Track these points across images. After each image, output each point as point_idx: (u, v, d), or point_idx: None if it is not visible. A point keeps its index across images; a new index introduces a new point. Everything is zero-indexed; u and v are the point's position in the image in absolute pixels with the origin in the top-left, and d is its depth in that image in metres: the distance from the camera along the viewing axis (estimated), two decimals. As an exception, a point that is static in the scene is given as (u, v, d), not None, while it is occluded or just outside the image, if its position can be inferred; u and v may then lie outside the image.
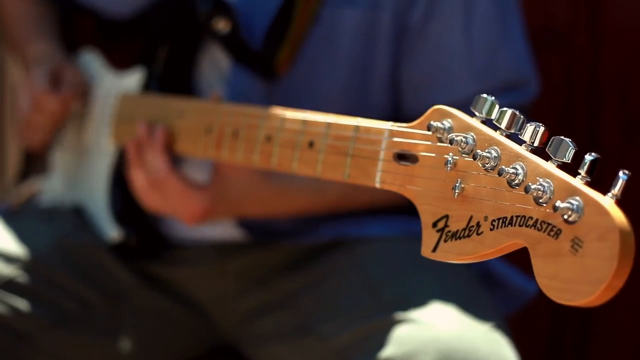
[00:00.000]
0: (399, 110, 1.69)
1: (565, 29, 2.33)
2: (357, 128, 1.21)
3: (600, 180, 1.03)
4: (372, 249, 1.64)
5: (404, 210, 1.67)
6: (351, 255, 1.65)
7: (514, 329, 1.58)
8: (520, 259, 1.42)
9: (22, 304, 1.61)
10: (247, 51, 1.62)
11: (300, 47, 1.62)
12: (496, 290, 1.68)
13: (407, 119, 1.65)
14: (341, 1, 1.63)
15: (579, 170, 0.99)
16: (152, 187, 1.57)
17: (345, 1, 1.63)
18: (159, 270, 1.74)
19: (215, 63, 1.69)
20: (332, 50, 1.64)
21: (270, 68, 1.62)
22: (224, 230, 1.72)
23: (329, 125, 1.25)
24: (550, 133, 1.05)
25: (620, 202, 0.98)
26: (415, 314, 1.45)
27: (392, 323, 1.44)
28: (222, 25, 1.60)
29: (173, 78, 1.69)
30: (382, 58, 1.65)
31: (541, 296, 1.69)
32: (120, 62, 1.78)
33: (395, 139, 1.16)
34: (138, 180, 1.58)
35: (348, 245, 1.66)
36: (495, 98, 1.58)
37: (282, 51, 1.61)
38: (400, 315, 1.45)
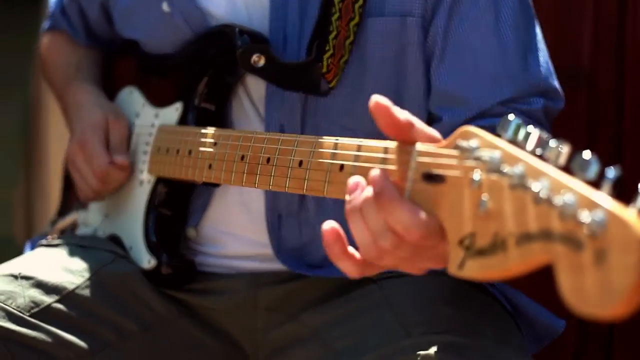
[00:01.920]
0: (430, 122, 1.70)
1: (590, 68, 2.36)
2: (385, 149, 1.24)
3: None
4: (402, 284, 1.65)
5: None
6: (381, 291, 1.66)
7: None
8: (547, 297, 1.44)
9: (60, 332, 1.64)
10: (287, 69, 1.65)
11: (342, 58, 1.65)
12: (524, 327, 1.68)
13: (436, 125, 1.66)
14: (371, 11, 1.66)
15: (602, 185, 1.01)
16: (394, 252, 1.21)
17: (375, 10, 1.66)
18: (192, 300, 1.76)
19: (249, 92, 1.73)
20: (365, 60, 1.67)
21: (315, 78, 1.64)
22: (257, 262, 1.75)
23: (359, 147, 1.28)
24: (575, 150, 1.07)
25: None
26: (448, 353, 1.45)
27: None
28: (257, 58, 1.63)
29: (210, 110, 1.73)
30: (415, 64, 1.67)
31: (566, 334, 1.70)
32: (158, 97, 1.83)
33: (423, 159, 1.18)
34: (368, 249, 1.22)
35: (378, 282, 1.67)
36: (531, 101, 1.62)
37: (326, 60, 1.64)
38: (432, 353, 1.45)
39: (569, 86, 2.31)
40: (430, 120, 1.69)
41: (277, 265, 1.73)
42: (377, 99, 1.22)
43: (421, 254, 1.20)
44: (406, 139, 1.22)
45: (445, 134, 1.51)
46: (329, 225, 1.22)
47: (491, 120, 1.60)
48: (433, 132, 1.23)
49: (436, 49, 1.65)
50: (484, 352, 1.46)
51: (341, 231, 1.22)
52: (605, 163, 2.44)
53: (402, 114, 1.22)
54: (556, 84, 1.70)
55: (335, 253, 1.23)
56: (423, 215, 1.17)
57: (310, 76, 1.64)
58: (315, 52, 1.63)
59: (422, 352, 1.45)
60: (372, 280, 1.68)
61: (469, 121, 1.61)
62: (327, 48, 1.63)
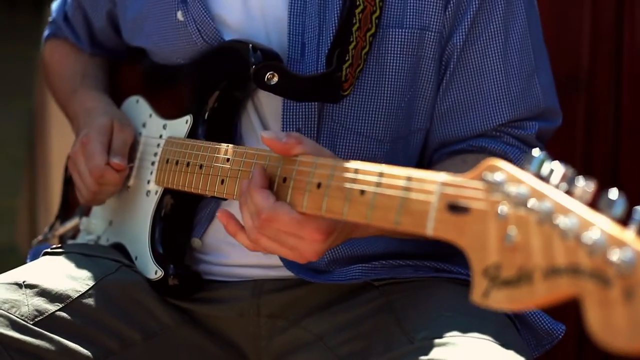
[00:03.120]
0: (428, 135, 1.77)
1: (588, 75, 2.41)
2: (409, 178, 1.27)
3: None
4: (404, 290, 1.70)
5: (434, 253, 1.73)
6: (383, 297, 1.70)
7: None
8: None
9: (64, 341, 1.65)
10: (303, 82, 1.68)
11: (359, 67, 1.69)
12: (525, 331, 1.73)
13: (433, 145, 1.74)
14: (391, 22, 1.70)
15: (629, 224, 1.05)
16: (259, 230, 1.46)
17: (395, 22, 1.70)
18: (197, 308, 1.78)
19: (258, 106, 1.75)
20: (383, 70, 1.71)
21: (334, 87, 1.67)
22: (260, 269, 1.77)
23: (380, 174, 1.31)
24: (601, 188, 1.11)
25: None
26: (449, 356, 1.48)
27: None
28: (271, 76, 1.66)
29: (219, 125, 1.75)
30: (427, 78, 1.73)
31: (566, 337, 1.75)
32: (166, 108, 1.84)
33: (449, 190, 1.21)
34: (247, 228, 1.49)
35: (380, 288, 1.72)
36: (526, 125, 1.70)
37: (345, 69, 1.67)
38: (434, 357, 1.48)
39: (567, 93, 2.37)
40: (428, 137, 1.76)
41: (280, 273, 1.76)
42: (263, 135, 1.47)
43: (285, 238, 1.44)
44: (295, 153, 1.45)
45: (441, 152, 1.72)
46: (222, 210, 1.55)
47: (487, 142, 1.74)
48: (322, 148, 1.48)
49: (449, 67, 1.73)
50: (484, 355, 1.49)
51: (231, 214, 1.51)
52: (603, 168, 2.51)
53: (284, 138, 1.45)
54: (555, 103, 1.79)
55: (230, 230, 1.52)
56: (272, 200, 1.44)
57: (329, 86, 1.68)
58: (335, 62, 1.67)
59: (423, 357, 1.49)
60: (374, 287, 1.72)
61: (465, 140, 1.73)
62: (347, 58, 1.67)
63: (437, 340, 1.52)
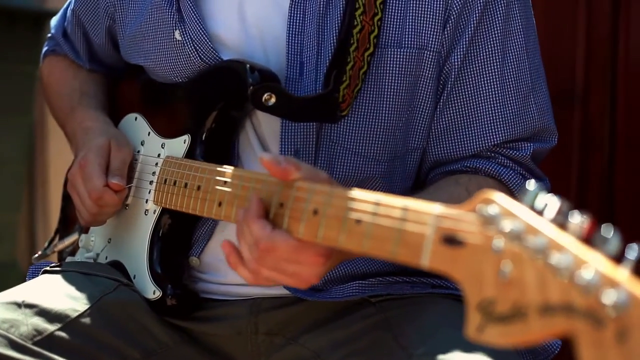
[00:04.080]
0: (422, 154, 1.77)
1: (583, 90, 2.41)
2: (405, 208, 1.27)
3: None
4: (401, 307, 1.70)
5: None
6: (380, 313, 1.70)
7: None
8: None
9: None
10: (300, 103, 1.68)
11: (356, 87, 1.69)
12: (521, 347, 1.73)
13: (428, 164, 1.74)
14: (389, 42, 1.70)
15: (623, 262, 1.05)
16: (258, 262, 1.44)
17: (393, 42, 1.70)
18: (195, 327, 1.79)
19: (256, 126, 1.75)
20: (381, 90, 1.71)
21: (331, 108, 1.67)
22: (258, 287, 1.77)
23: (377, 203, 1.31)
24: (596, 223, 1.11)
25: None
26: None
27: None
28: (269, 97, 1.65)
29: (216, 145, 1.75)
30: (425, 97, 1.73)
31: (563, 351, 1.75)
32: (165, 127, 1.84)
33: (444, 223, 1.21)
34: (246, 260, 1.47)
35: (377, 304, 1.72)
36: (520, 146, 1.70)
37: (343, 90, 1.67)
38: None
39: (563, 108, 2.38)
40: (423, 156, 1.76)
41: (277, 291, 1.76)
42: (262, 157, 1.44)
43: (285, 266, 1.42)
44: (293, 179, 1.43)
45: (435, 172, 1.73)
46: (226, 240, 1.49)
47: (481, 162, 1.74)
48: (319, 172, 1.46)
49: (447, 86, 1.72)
50: None
51: (234, 245, 1.47)
52: (598, 183, 2.53)
53: (283, 163, 1.43)
54: (551, 123, 1.79)
55: (232, 262, 1.48)
56: (269, 229, 1.42)
57: (327, 106, 1.68)
58: (333, 83, 1.67)
59: None
60: (371, 303, 1.73)
61: (459, 160, 1.74)
62: (344, 79, 1.67)
63: (435, 356, 1.52)
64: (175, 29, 1.79)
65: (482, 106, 1.73)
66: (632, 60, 2.40)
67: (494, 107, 1.73)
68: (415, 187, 1.78)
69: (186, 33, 1.77)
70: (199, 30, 1.76)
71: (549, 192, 1.74)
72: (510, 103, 1.73)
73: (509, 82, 1.73)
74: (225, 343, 1.78)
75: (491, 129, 1.73)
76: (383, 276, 1.75)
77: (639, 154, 2.43)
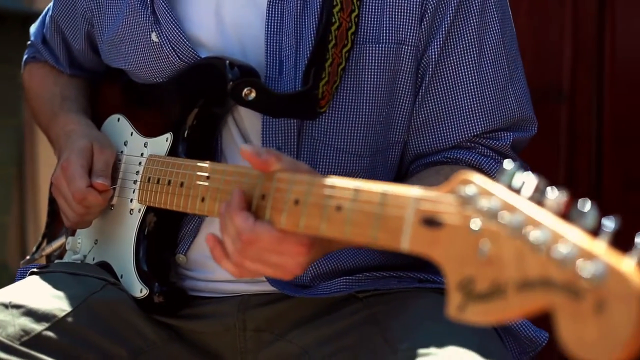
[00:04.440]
0: (404, 147, 1.78)
1: (570, 86, 2.42)
2: (384, 194, 1.27)
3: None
4: (388, 302, 1.71)
5: (417, 264, 1.73)
6: (367, 309, 1.71)
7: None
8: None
9: None
10: (280, 100, 1.69)
11: (335, 84, 1.69)
12: (507, 339, 1.73)
13: (410, 157, 1.75)
14: (367, 38, 1.71)
15: (600, 234, 1.05)
16: (241, 253, 1.45)
17: (371, 38, 1.71)
18: (183, 324, 1.79)
19: (239, 122, 1.76)
20: (360, 86, 1.72)
21: (310, 105, 1.68)
22: (245, 284, 1.78)
23: (356, 190, 1.31)
24: (573, 199, 1.11)
25: (620, 246, 1.04)
26: None
27: None
28: (248, 92, 1.66)
29: (199, 142, 1.76)
30: (404, 92, 1.74)
31: (550, 346, 1.76)
32: (147, 126, 1.85)
33: (423, 205, 1.21)
34: (230, 253, 1.47)
35: (364, 299, 1.73)
36: (500, 136, 1.71)
37: (322, 87, 1.68)
38: None
39: (550, 104, 2.39)
40: (404, 149, 1.76)
41: (264, 287, 1.76)
42: (242, 148, 1.45)
43: (267, 257, 1.43)
44: (273, 170, 1.44)
45: (417, 164, 1.74)
46: (210, 234, 1.49)
47: (461, 153, 1.75)
48: (300, 163, 1.47)
49: (425, 80, 1.73)
50: None
51: (219, 239, 1.47)
52: (586, 177, 2.54)
53: (264, 155, 1.44)
54: (530, 112, 1.80)
55: (216, 255, 1.48)
56: (251, 221, 1.42)
57: (306, 103, 1.69)
58: (312, 80, 1.68)
59: None
60: (358, 299, 1.73)
61: (440, 152, 1.75)
62: (323, 75, 1.68)
63: (420, 351, 1.52)
64: (152, 31, 1.79)
65: (460, 98, 1.74)
66: (618, 58, 2.42)
67: (473, 98, 1.74)
68: (397, 180, 1.79)
69: (162, 35, 1.78)
70: (175, 31, 1.77)
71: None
72: (488, 94, 1.74)
73: (486, 73, 1.74)
74: (213, 340, 1.79)
75: (470, 120, 1.74)
76: (370, 271, 1.75)
77: (625, 149, 2.44)
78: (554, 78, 2.41)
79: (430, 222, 1.20)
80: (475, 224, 1.14)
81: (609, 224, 1.06)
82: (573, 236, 1.06)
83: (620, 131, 2.43)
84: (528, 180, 1.15)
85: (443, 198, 1.20)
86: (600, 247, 1.04)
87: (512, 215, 1.11)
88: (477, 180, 1.17)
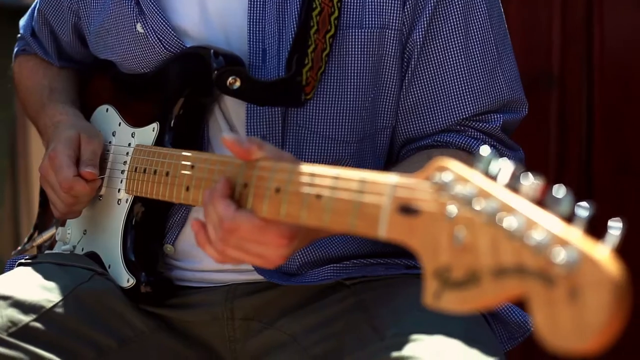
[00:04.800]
0: (393, 132, 1.77)
1: (560, 71, 2.41)
2: (363, 181, 1.26)
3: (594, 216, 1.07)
4: (375, 288, 1.70)
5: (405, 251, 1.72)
6: (355, 296, 1.70)
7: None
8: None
9: (39, 351, 1.65)
10: (265, 88, 1.68)
11: (320, 70, 1.68)
12: (495, 325, 1.73)
13: (400, 142, 1.74)
14: (350, 23, 1.70)
15: (574, 221, 1.04)
16: (223, 241, 1.44)
17: (354, 23, 1.70)
18: (171, 314, 1.79)
19: (225, 111, 1.75)
20: (345, 71, 1.71)
21: (295, 92, 1.67)
22: (233, 273, 1.77)
23: (336, 177, 1.30)
24: (549, 185, 1.10)
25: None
26: (418, 352, 1.48)
27: None
28: (233, 80, 1.65)
29: (185, 131, 1.75)
30: (390, 76, 1.73)
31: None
32: (135, 117, 1.84)
33: (400, 192, 1.21)
34: (213, 240, 1.46)
35: (352, 287, 1.72)
36: (490, 118, 1.70)
37: (305, 73, 1.67)
38: (404, 353, 1.49)
39: (540, 89, 2.38)
40: (394, 134, 1.75)
41: (252, 276, 1.75)
42: (224, 137, 1.44)
43: (248, 246, 1.42)
44: (255, 158, 1.43)
45: (407, 149, 1.73)
46: (195, 219, 1.49)
47: (452, 136, 1.73)
48: (283, 152, 1.46)
49: (411, 64, 1.72)
50: (453, 349, 1.49)
51: (203, 224, 1.47)
52: (576, 163, 2.53)
53: (246, 143, 1.43)
54: (520, 93, 1.79)
55: (200, 241, 1.47)
56: (232, 209, 1.41)
57: (290, 90, 1.68)
58: (295, 66, 1.67)
59: (393, 354, 1.49)
60: (346, 286, 1.73)
61: (430, 135, 1.73)
62: (306, 62, 1.67)
63: (407, 337, 1.52)
64: (137, 22, 1.79)
65: (448, 81, 1.72)
66: (608, 41, 2.40)
67: (461, 80, 1.72)
68: (388, 165, 1.78)
69: (147, 25, 1.78)
70: (160, 21, 1.76)
71: (522, 162, 1.76)
72: (477, 76, 1.73)
73: (474, 54, 1.72)
74: (201, 329, 1.78)
75: (459, 103, 1.72)
76: (357, 258, 1.74)
77: (616, 133, 2.43)
78: (543, 63, 2.40)
79: (407, 209, 1.19)
80: (451, 210, 1.13)
81: (584, 210, 1.05)
82: (547, 223, 1.05)
83: (610, 116, 2.42)
84: (505, 166, 1.13)
85: (419, 185, 1.19)
86: (574, 233, 1.03)
87: (487, 201, 1.10)
88: (453, 167, 1.16)
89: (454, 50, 1.72)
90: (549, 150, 2.43)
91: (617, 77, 2.41)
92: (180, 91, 1.75)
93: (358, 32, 1.70)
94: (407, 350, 1.49)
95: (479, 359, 1.48)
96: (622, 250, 1.03)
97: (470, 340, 1.51)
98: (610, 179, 2.42)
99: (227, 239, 1.43)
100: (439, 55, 1.72)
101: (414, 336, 1.52)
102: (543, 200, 1.09)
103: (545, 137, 2.43)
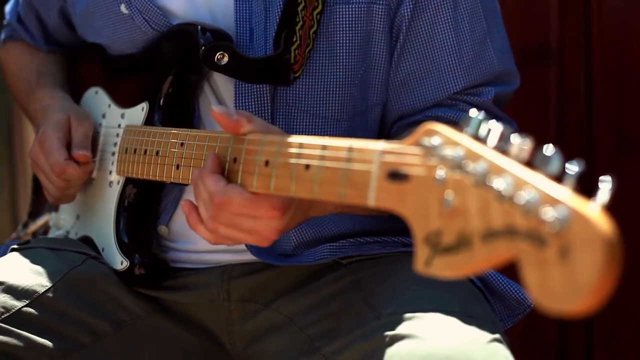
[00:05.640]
0: (385, 109, 1.75)
1: (558, 46, 2.39)
2: (350, 149, 1.24)
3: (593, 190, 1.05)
4: (372, 267, 1.68)
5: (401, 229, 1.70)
6: (351, 275, 1.68)
7: (518, 342, 1.59)
8: (517, 272, 1.46)
9: (32, 336, 1.63)
10: (253, 64, 1.66)
11: (308, 47, 1.66)
12: (495, 302, 1.70)
13: (391, 118, 1.72)
14: None
15: (564, 180, 1.02)
16: (214, 219, 1.42)
17: None
18: (166, 296, 1.77)
19: (215, 88, 1.73)
20: (333, 48, 1.69)
21: (283, 70, 1.65)
22: (228, 254, 1.75)
23: (324, 147, 1.28)
24: (537, 145, 1.07)
25: (613, 209, 1.00)
26: (415, 330, 1.46)
27: (392, 340, 1.46)
28: (221, 56, 1.63)
29: (175, 109, 1.73)
30: (379, 52, 1.70)
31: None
32: (124, 97, 1.83)
33: (388, 158, 1.18)
34: (204, 219, 1.44)
35: (348, 265, 1.70)
36: (482, 91, 1.67)
37: (294, 50, 1.65)
38: (400, 332, 1.47)
39: (538, 63, 2.35)
40: (385, 111, 1.73)
41: (248, 257, 1.73)
42: (213, 109, 1.42)
43: (241, 221, 1.39)
44: (244, 131, 1.42)
45: (398, 125, 1.71)
46: (185, 200, 1.48)
47: (443, 111, 1.71)
48: (272, 125, 1.45)
49: (399, 38, 1.70)
50: (450, 327, 1.47)
51: (194, 205, 1.45)
52: (576, 135, 2.51)
53: (235, 116, 1.41)
54: (512, 65, 1.77)
55: (191, 222, 1.46)
56: (222, 183, 1.40)
57: (278, 68, 1.65)
58: (283, 44, 1.64)
59: (389, 333, 1.47)
60: (342, 265, 1.71)
61: (421, 111, 1.71)
62: (294, 39, 1.64)
63: (403, 315, 1.50)
64: (121, 3, 1.77)
65: (438, 55, 1.70)
66: (606, 14, 2.38)
67: (450, 54, 1.70)
68: None
69: (132, 6, 1.76)
70: (144, 1, 1.74)
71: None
72: (466, 49, 1.70)
73: (463, 27, 1.70)
74: (197, 311, 1.76)
75: (450, 77, 1.70)
76: (353, 237, 1.72)
77: (615, 106, 2.41)
78: (541, 36, 2.37)
79: (396, 175, 1.17)
80: (440, 174, 1.11)
81: (573, 168, 1.02)
82: (537, 182, 1.03)
83: (610, 89, 2.40)
84: (494, 128, 1.11)
85: (407, 150, 1.16)
86: (564, 192, 1.01)
87: (476, 163, 1.08)
88: (441, 130, 1.14)
89: (442, 24, 1.69)
90: (548, 125, 2.41)
91: (617, 49, 2.39)
92: (168, 69, 1.73)
93: (345, 7, 1.67)
94: (404, 329, 1.47)
95: (477, 336, 1.45)
96: (625, 227, 1.01)
97: (468, 317, 1.49)
98: (611, 153, 2.40)
99: (218, 215, 1.41)
100: (428, 28, 1.69)
101: (411, 314, 1.49)
102: (532, 161, 1.06)
103: (544, 112, 2.40)
